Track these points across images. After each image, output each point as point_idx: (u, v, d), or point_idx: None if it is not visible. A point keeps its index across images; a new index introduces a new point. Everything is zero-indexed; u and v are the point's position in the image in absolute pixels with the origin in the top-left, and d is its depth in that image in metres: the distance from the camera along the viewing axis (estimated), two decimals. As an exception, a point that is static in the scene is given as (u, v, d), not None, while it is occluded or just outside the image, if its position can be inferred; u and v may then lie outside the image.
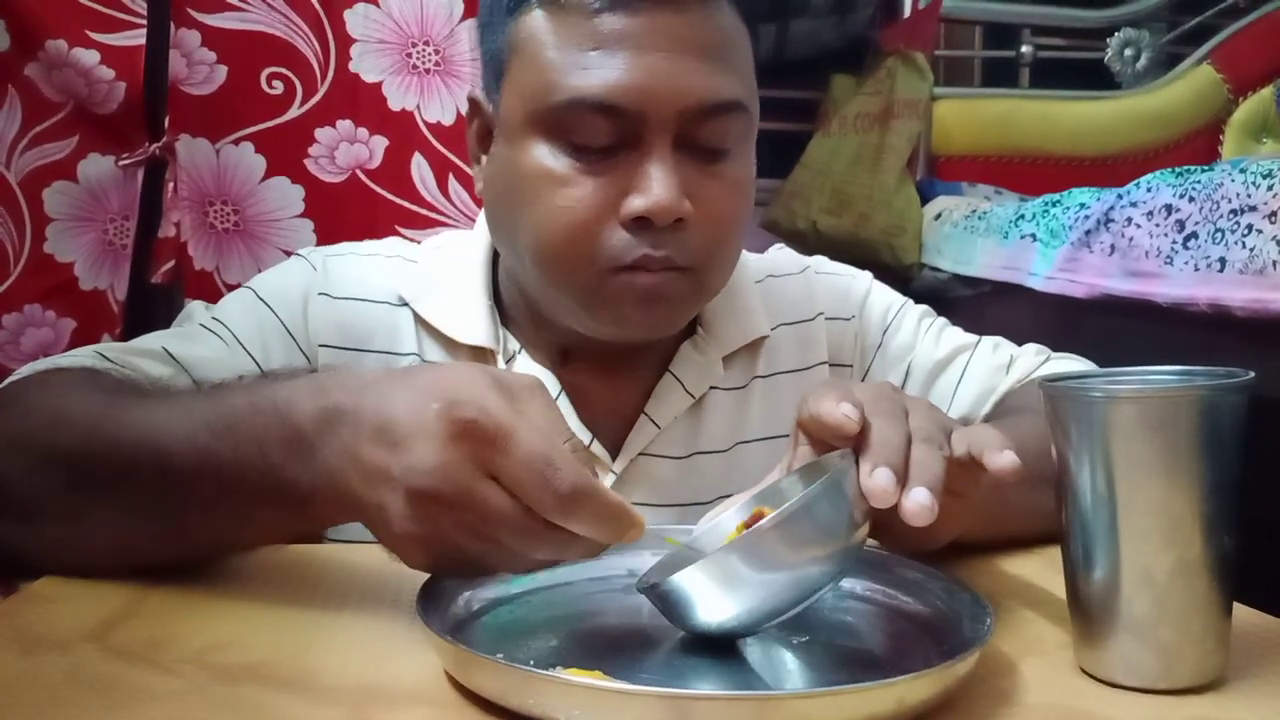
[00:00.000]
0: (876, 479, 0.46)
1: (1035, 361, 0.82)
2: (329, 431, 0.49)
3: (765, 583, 0.45)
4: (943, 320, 0.87)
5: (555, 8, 0.65)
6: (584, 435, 0.74)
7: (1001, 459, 0.46)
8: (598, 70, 0.63)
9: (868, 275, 0.87)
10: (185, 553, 0.56)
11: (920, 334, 0.84)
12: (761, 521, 0.45)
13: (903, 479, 0.46)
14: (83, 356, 0.68)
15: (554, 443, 0.45)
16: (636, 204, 0.64)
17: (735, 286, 0.79)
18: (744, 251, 0.86)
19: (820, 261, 0.88)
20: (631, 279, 0.66)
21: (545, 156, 0.66)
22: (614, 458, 0.75)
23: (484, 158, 0.73)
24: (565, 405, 0.74)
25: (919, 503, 0.45)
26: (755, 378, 0.79)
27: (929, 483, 0.46)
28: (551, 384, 0.74)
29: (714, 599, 0.45)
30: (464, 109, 0.79)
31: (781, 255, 0.89)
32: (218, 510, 0.52)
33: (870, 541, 0.55)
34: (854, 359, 0.83)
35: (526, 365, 0.75)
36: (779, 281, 0.84)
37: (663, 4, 0.63)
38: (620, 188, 0.65)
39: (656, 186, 0.63)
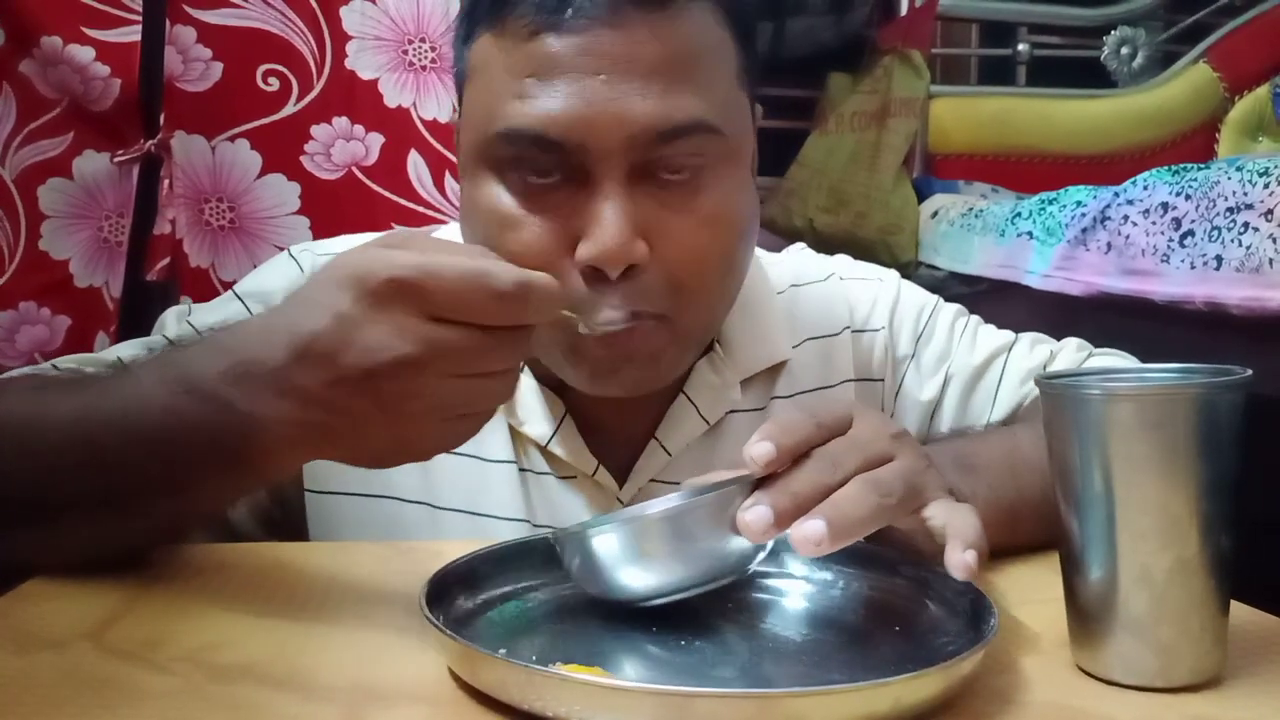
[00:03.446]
0: (748, 514, 0.44)
1: (1078, 358, 0.79)
2: (242, 384, 0.47)
3: (649, 566, 0.48)
4: (976, 319, 0.83)
5: (499, 33, 0.60)
6: (589, 461, 0.69)
7: (959, 558, 0.45)
8: (532, 99, 0.58)
9: (894, 276, 0.82)
10: (142, 536, 0.56)
11: (955, 339, 0.79)
12: (648, 510, 0.49)
13: (801, 509, 0.44)
14: (40, 368, 0.67)
15: (473, 251, 0.46)
16: (583, 252, 0.58)
17: (756, 302, 0.74)
18: (765, 254, 0.80)
19: (844, 265, 0.82)
20: (602, 341, 0.60)
21: (496, 194, 0.61)
22: (621, 484, 0.70)
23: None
24: (569, 428, 0.69)
25: (805, 534, 0.43)
26: (774, 398, 0.74)
27: (833, 518, 0.43)
28: (554, 405, 0.69)
29: (608, 567, 0.48)
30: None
31: (803, 260, 0.83)
32: (163, 485, 0.52)
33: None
34: (884, 373, 0.78)
35: (528, 385, 0.70)
36: (803, 291, 0.79)
37: (601, 22, 0.57)
38: (572, 228, 0.59)
39: (602, 232, 0.58)
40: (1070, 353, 0.80)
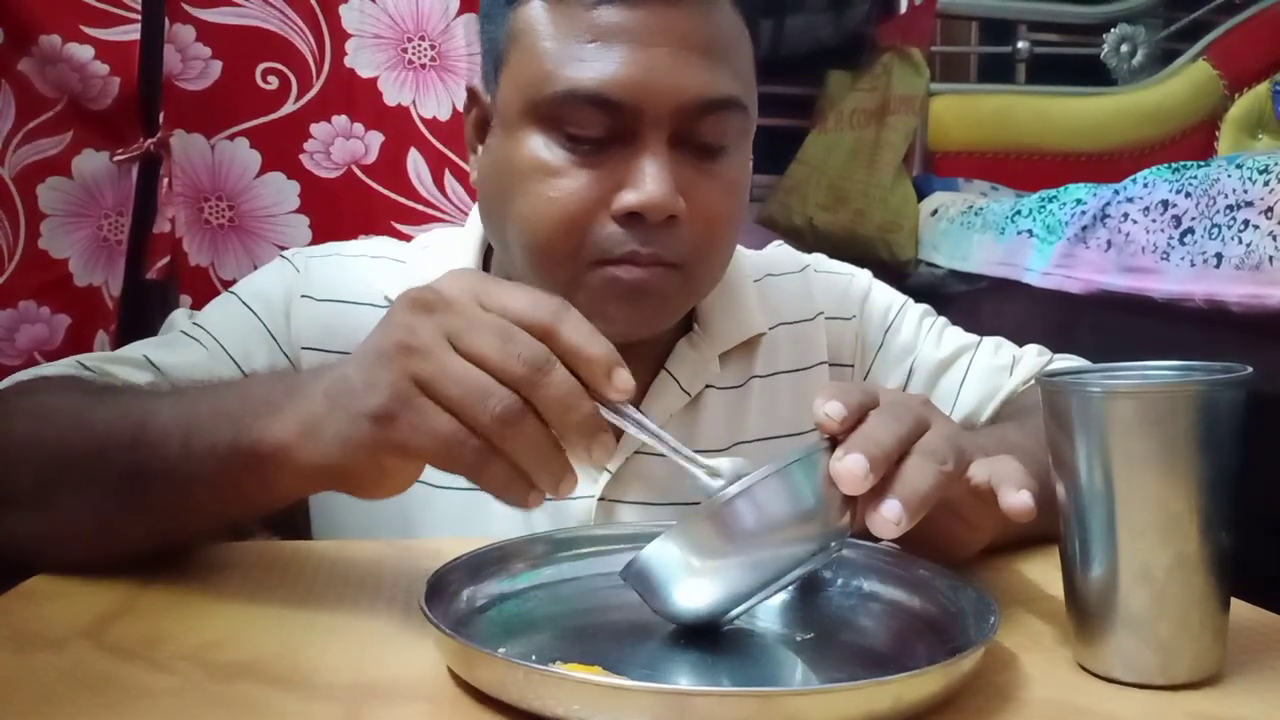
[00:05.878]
0: (845, 462, 0.44)
1: (1039, 362, 0.82)
2: (320, 375, 0.50)
3: (735, 558, 0.45)
4: (943, 320, 0.87)
5: None
6: None
7: (1016, 499, 0.46)
8: (595, 63, 0.63)
9: (867, 274, 0.87)
10: (159, 533, 0.56)
11: (922, 334, 0.83)
12: (726, 490, 0.44)
13: (882, 485, 0.44)
14: (65, 365, 0.68)
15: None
16: (629, 199, 0.63)
17: (732, 284, 0.79)
18: (742, 248, 0.85)
19: (820, 260, 0.87)
20: (616, 273, 0.65)
21: (539, 147, 0.66)
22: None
23: (480, 148, 0.73)
24: None
25: (884, 516, 0.44)
26: (753, 377, 0.79)
27: (906, 496, 0.44)
28: None
29: (685, 572, 0.45)
30: (460, 104, 0.79)
31: (780, 253, 0.88)
32: (188, 475, 0.52)
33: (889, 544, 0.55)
34: (854, 359, 0.82)
35: None
36: (778, 280, 0.83)
37: None
38: (613, 181, 0.64)
39: (650, 183, 0.63)
40: (1032, 357, 0.83)
